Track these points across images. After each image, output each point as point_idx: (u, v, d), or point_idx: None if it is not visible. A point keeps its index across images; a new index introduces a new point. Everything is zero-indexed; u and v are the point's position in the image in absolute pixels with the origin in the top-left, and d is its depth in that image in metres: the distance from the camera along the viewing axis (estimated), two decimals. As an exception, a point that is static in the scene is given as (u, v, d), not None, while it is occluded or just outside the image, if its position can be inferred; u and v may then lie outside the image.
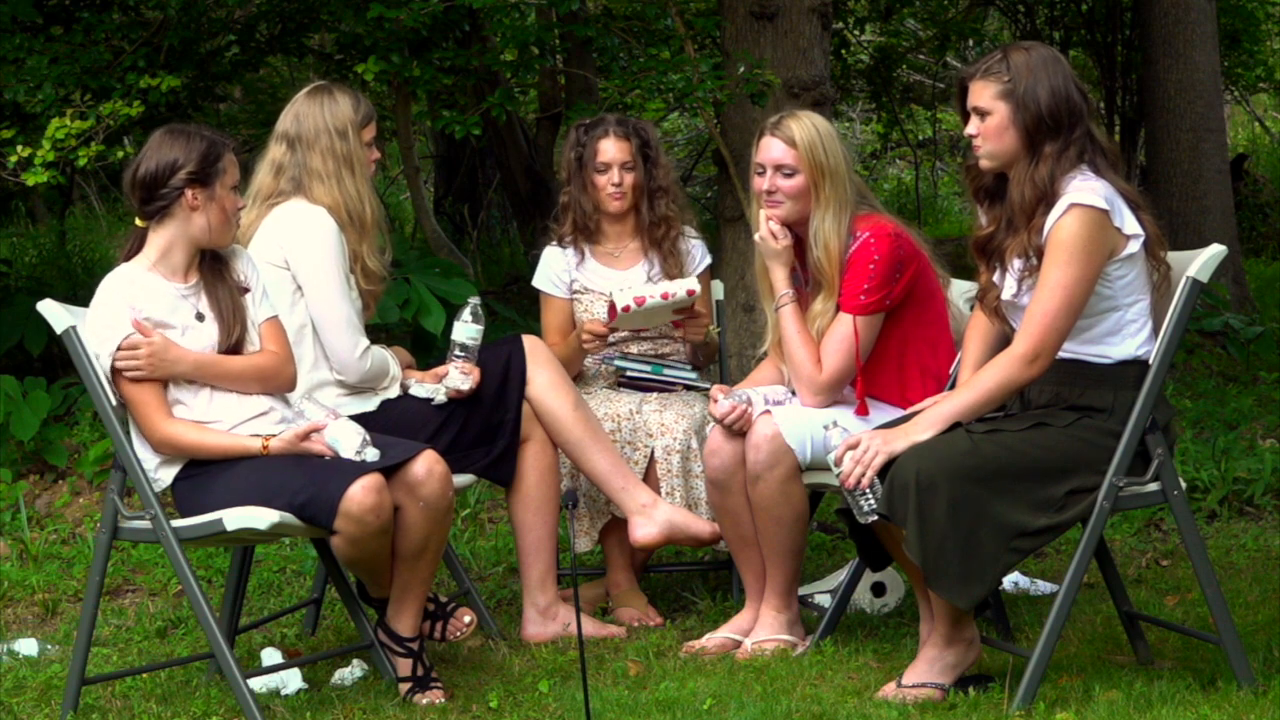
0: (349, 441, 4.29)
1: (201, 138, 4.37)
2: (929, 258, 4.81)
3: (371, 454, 4.29)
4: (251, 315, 4.46)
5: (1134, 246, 4.16)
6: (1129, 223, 4.15)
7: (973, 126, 4.24)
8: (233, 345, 4.40)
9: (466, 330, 4.88)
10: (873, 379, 4.74)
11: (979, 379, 4.19)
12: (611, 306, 5.09)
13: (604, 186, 5.24)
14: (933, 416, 4.17)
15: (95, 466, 6.71)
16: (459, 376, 4.84)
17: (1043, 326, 4.10)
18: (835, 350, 4.69)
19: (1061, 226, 4.10)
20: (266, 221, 4.79)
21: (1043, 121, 4.16)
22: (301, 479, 4.25)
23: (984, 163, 4.26)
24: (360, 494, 4.20)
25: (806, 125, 4.73)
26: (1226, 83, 12.27)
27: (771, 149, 4.75)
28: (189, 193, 4.32)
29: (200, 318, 4.40)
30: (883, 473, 4.11)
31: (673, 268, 5.27)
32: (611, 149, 5.24)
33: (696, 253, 5.39)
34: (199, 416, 4.37)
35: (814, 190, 4.71)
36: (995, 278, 4.27)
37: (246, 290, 4.47)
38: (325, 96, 4.85)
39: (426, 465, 4.32)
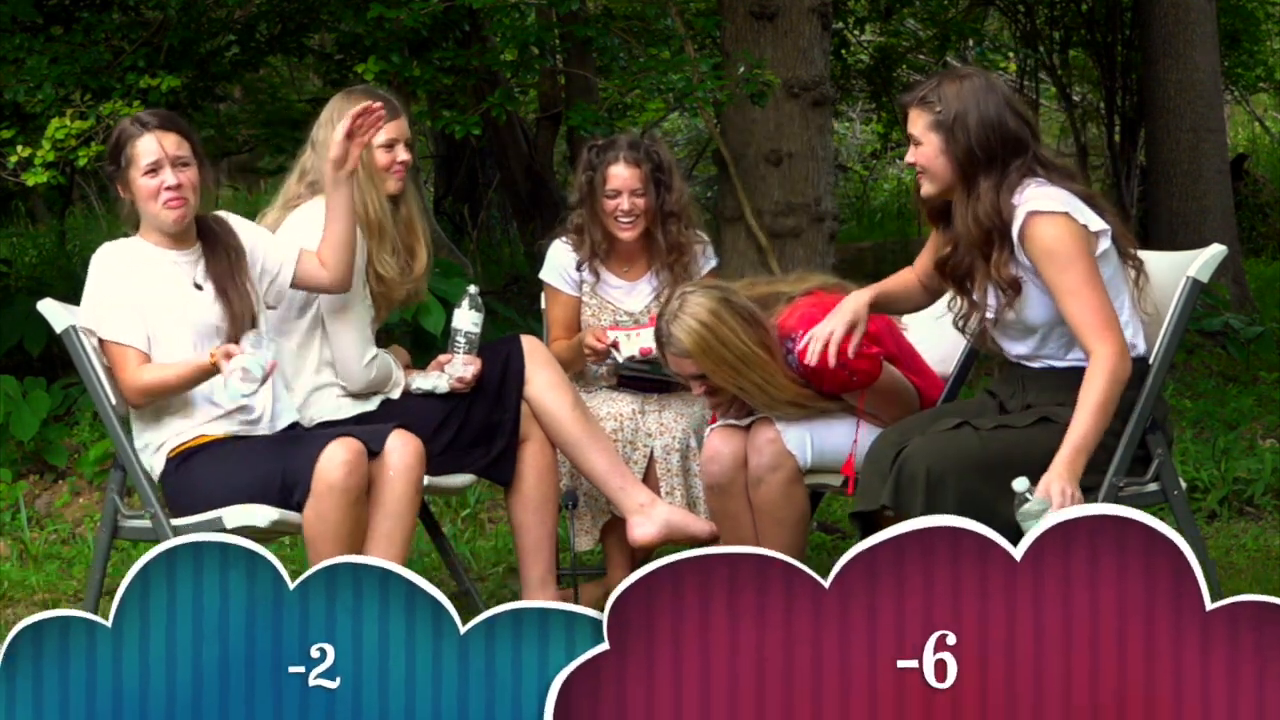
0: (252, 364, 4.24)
1: (117, 127, 4.45)
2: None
3: (267, 353, 4.25)
4: (256, 288, 4.49)
5: (1105, 243, 4.14)
6: (1093, 220, 4.12)
7: (910, 154, 4.23)
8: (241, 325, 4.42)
9: (469, 318, 4.88)
10: (881, 408, 4.69)
11: (1091, 396, 4.03)
12: (616, 344, 5.06)
13: (613, 212, 5.18)
14: (1077, 447, 4.00)
15: (95, 466, 6.71)
16: (462, 365, 4.85)
17: (1104, 323, 4.04)
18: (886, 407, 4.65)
19: (1036, 237, 4.06)
20: (285, 224, 4.80)
21: (973, 153, 4.11)
22: (281, 462, 4.29)
23: (924, 189, 4.24)
24: (334, 449, 4.22)
25: (690, 326, 4.52)
26: (1226, 83, 12.27)
27: (676, 365, 4.63)
28: (117, 185, 4.43)
29: (198, 287, 4.42)
30: (891, 464, 4.09)
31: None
32: (622, 174, 5.17)
33: (705, 254, 5.35)
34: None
35: (734, 376, 4.57)
36: (975, 296, 4.25)
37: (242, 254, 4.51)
38: (340, 102, 4.86)
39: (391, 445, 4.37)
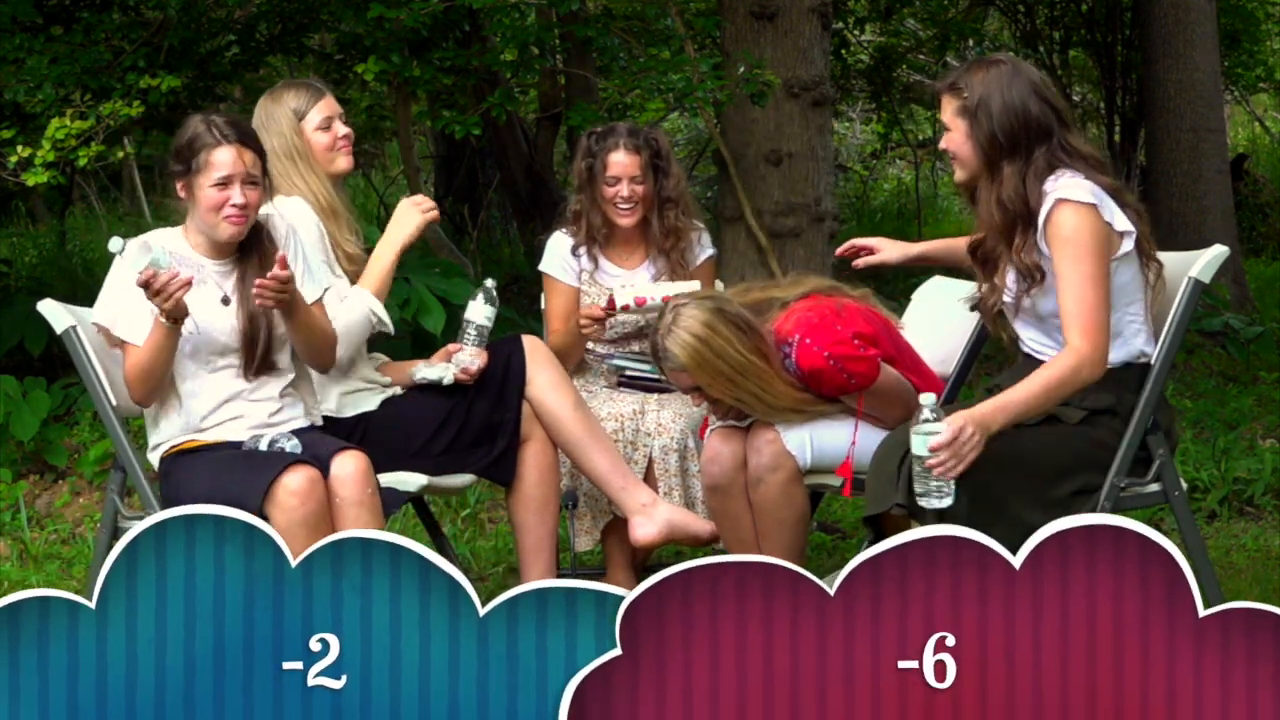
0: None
1: (190, 127, 4.32)
2: (854, 300, 4.69)
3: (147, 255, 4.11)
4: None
5: (1128, 245, 4.15)
6: (1119, 219, 4.13)
7: (943, 141, 4.27)
8: (261, 353, 4.35)
9: (482, 311, 4.87)
10: (880, 409, 4.68)
11: (1046, 375, 4.07)
12: (611, 302, 5.07)
13: (613, 198, 5.21)
14: (1003, 404, 4.05)
15: (95, 466, 6.71)
16: (469, 356, 4.85)
17: (1093, 322, 4.04)
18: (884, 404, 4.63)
19: (1059, 224, 4.08)
20: None
21: (996, 139, 4.12)
22: (244, 471, 4.24)
23: (957, 175, 4.28)
24: (289, 479, 4.14)
25: (684, 340, 4.49)
26: (1226, 83, 12.28)
27: (678, 379, 4.61)
28: (178, 184, 4.32)
29: (226, 301, 4.36)
30: (899, 465, 4.08)
31: (679, 273, 5.25)
32: (622, 161, 5.20)
33: (701, 241, 5.36)
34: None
35: (731, 388, 4.54)
36: (996, 280, 4.26)
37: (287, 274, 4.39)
38: (264, 104, 4.86)
39: (341, 463, 4.27)
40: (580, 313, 5.16)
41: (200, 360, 4.37)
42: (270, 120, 4.81)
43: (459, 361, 4.84)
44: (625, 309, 5.03)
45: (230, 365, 4.40)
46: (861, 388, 4.54)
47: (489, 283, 4.94)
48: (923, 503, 3.99)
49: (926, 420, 3.94)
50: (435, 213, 4.95)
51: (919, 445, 3.95)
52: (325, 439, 4.43)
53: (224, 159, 4.28)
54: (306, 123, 4.81)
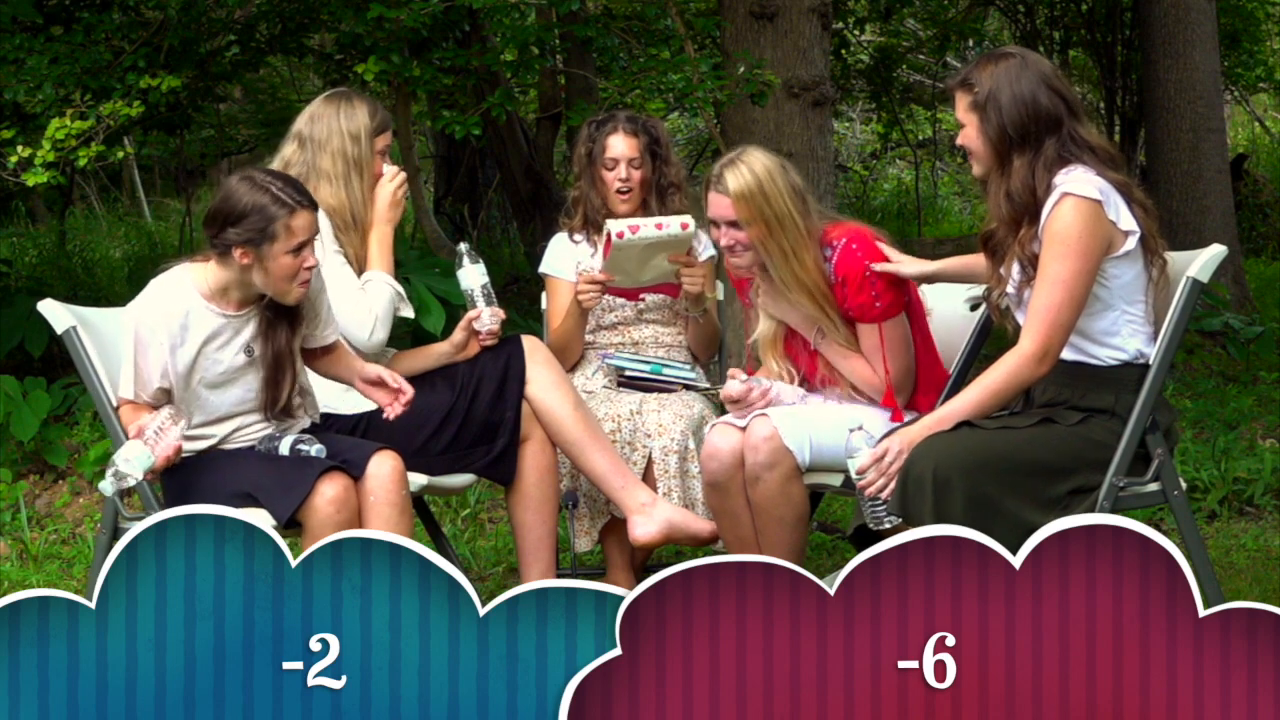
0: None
1: (242, 194, 4.19)
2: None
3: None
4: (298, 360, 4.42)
5: (1131, 244, 4.15)
6: (1124, 218, 4.13)
7: (959, 137, 4.28)
8: (285, 400, 4.36)
9: (475, 273, 4.89)
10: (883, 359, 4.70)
11: (986, 379, 4.17)
12: (607, 242, 5.05)
13: (611, 183, 5.26)
14: (942, 417, 4.16)
15: (95, 466, 6.71)
16: (490, 317, 4.88)
17: (1048, 322, 4.09)
18: (878, 358, 4.64)
19: (1056, 217, 4.09)
20: None
21: (1005, 133, 4.13)
22: (273, 478, 4.26)
23: (974, 170, 4.30)
24: (325, 488, 4.19)
25: (743, 173, 4.56)
26: (1226, 83, 12.29)
27: (716, 205, 4.63)
28: (237, 250, 4.20)
29: (250, 352, 4.33)
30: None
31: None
32: (620, 145, 5.26)
33: (700, 240, 5.38)
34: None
35: (764, 233, 4.58)
36: (1002, 271, 4.27)
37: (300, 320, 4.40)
38: (343, 101, 4.88)
39: (376, 464, 4.32)
40: (580, 279, 5.14)
41: (215, 409, 4.35)
42: (346, 119, 4.83)
43: (483, 326, 4.87)
44: (620, 236, 5.01)
45: (245, 411, 4.40)
46: (879, 318, 4.58)
47: (463, 247, 4.97)
48: (871, 526, 4.12)
49: (854, 446, 4.12)
50: (403, 177, 4.94)
51: (850, 469, 4.13)
52: (346, 440, 4.47)
53: (304, 224, 4.20)
54: (375, 142, 4.85)
